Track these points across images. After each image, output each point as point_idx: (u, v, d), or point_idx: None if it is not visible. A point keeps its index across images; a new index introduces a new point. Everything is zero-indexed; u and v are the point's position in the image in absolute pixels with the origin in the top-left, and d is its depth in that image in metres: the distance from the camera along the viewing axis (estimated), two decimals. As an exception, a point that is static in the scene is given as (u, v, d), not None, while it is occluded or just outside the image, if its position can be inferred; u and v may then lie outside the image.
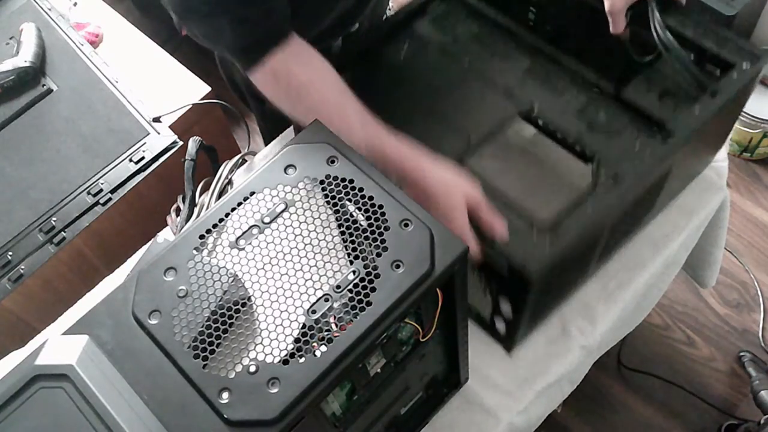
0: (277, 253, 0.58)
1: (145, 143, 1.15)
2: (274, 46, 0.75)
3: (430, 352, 0.72)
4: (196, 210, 0.96)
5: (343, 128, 0.69)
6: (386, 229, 0.57)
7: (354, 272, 0.56)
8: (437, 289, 0.60)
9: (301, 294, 0.56)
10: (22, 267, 1.08)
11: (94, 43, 1.32)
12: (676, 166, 0.83)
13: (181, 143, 1.15)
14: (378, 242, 0.57)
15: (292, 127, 1.11)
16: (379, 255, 0.56)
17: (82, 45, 1.27)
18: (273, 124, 1.18)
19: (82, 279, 1.13)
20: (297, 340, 0.54)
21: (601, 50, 0.85)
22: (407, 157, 0.72)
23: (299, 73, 0.75)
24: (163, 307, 0.56)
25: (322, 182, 0.61)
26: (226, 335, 0.55)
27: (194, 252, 0.59)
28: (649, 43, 0.81)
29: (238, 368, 0.53)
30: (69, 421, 0.53)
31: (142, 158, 1.14)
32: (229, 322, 0.55)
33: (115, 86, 1.21)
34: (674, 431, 1.46)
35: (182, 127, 1.19)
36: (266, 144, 1.23)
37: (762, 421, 1.34)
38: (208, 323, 0.55)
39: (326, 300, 0.55)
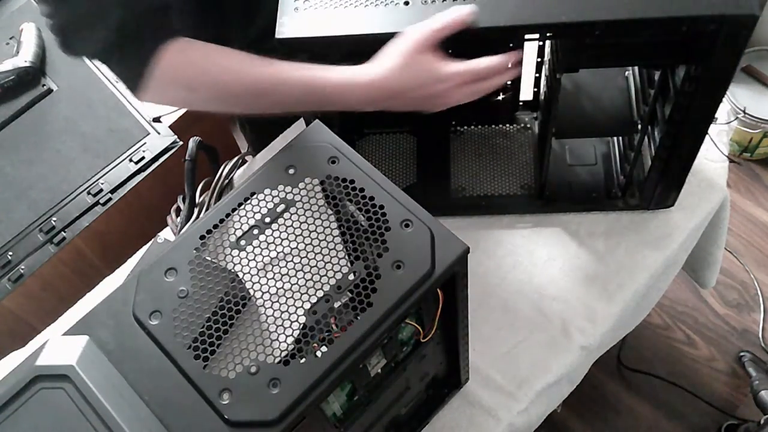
0: (277, 253, 0.58)
1: (145, 143, 1.15)
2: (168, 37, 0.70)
3: (431, 353, 0.72)
4: (196, 210, 0.96)
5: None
6: (387, 229, 0.57)
7: (354, 273, 0.56)
8: (438, 290, 0.59)
9: (302, 294, 0.56)
10: (22, 267, 1.08)
11: (94, 43, 1.32)
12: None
13: (181, 143, 1.15)
14: (378, 243, 0.57)
15: (291, 127, 1.12)
16: (379, 255, 0.56)
17: (82, 45, 1.27)
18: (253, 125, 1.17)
19: (82, 279, 1.13)
20: (297, 341, 0.54)
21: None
22: (351, 82, 0.69)
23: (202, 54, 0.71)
24: (163, 308, 0.56)
25: (322, 182, 0.61)
26: (226, 336, 0.55)
27: (195, 252, 0.59)
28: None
29: (239, 369, 0.53)
30: (69, 422, 0.53)
31: (142, 158, 1.14)
32: (230, 322, 0.55)
33: (115, 86, 1.21)
34: (674, 431, 1.46)
35: (182, 127, 1.19)
36: (251, 144, 1.22)
37: (762, 421, 1.34)
38: (208, 324, 0.55)
39: (327, 300, 0.55)
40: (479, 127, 1.04)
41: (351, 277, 0.56)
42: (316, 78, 0.70)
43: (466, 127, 1.04)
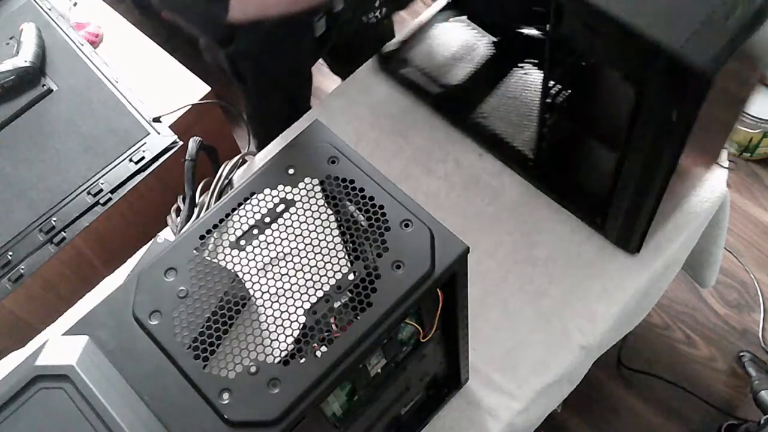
0: (277, 253, 0.58)
1: (145, 143, 1.15)
2: None
3: (431, 353, 0.72)
4: (196, 210, 0.96)
5: None
6: (387, 229, 0.57)
7: (354, 273, 0.56)
8: (438, 290, 0.60)
9: (302, 294, 0.56)
10: (22, 267, 1.08)
11: (94, 43, 1.32)
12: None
13: (181, 143, 1.15)
14: (378, 242, 0.57)
15: (291, 127, 1.12)
16: (379, 255, 0.56)
17: (82, 45, 1.27)
18: (259, 106, 1.19)
19: (82, 279, 1.13)
20: (297, 341, 0.54)
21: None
22: None
23: None
24: (163, 308, 0.56)
25: (322, 182, 0.61)
26: (226, 336, 0.55)
27: (195, 252, 0.59)
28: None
29: (239, 369, 0.53)
30: (69, 422, 0.53)
31: (142, 158, 1.13)
32: (230, 322, 0.55)
33: (115, 86, 1.21)
34: (674, 431, 1.46)
35: (182, 127, 1.19)
36: (255, 137, 1.24)
37: (762, 421, 1.34)
38: (208, 324, 0.55)
39: (327, 300, 0.55)
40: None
41: (351, 277, 0.56)
42: None
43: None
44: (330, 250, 0.57)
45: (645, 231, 0.83)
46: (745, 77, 0.74)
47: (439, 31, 1.09)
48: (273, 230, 0.59)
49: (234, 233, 0.59)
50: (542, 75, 0.78)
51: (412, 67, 1.06)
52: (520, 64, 1.02)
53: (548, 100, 0.79)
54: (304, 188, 0.61)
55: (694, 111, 0.60)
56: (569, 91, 0.80)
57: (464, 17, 1.08)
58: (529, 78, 1.01)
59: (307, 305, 0.55)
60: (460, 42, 1.07)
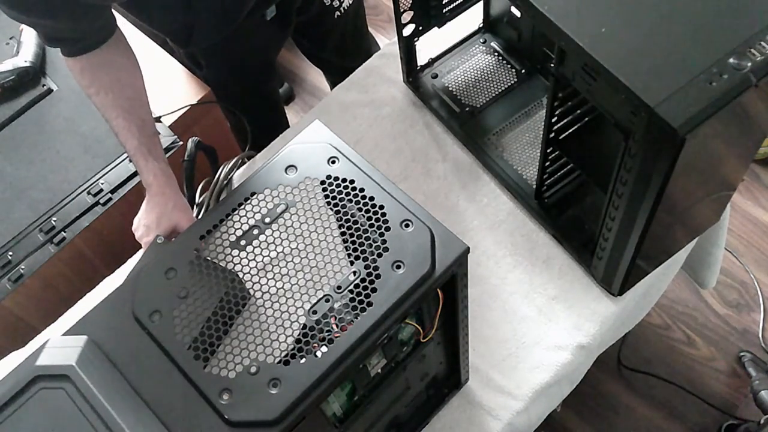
0: (277, 253, 0.58)
1: (145, 143, 1.15)
2: (93, 48, 0.85)
3: (431, 353, 0.72)
4: (195, 210, 0.96)
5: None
6: (387, 229, 0.57)
7: (355, 273, 0.56)
8: (438, 290, 0.60)
9: (302, 294, 0.56)
10: (22, 267, 1.08)
11: (94, 43, 1.32)
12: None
13: (180, 143, 1.15)
14: (379, 243, 0.57)
15: (291, 127, 1.12)
16: (379, 255, 0.56)
17: (82, 45, 1.27)
18: (217, 92, 1.22)
19: (82, 279, 1.13)
20: (298, 341, 0.54)
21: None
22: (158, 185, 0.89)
23: (103, 75, 0.86)
24: (163, 308, 0.56)
25: (322, 182, 0.61)
26: (226, 336, 0.55)
27: (195, 252, 0.59)
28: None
29: (239, 369, 0.53)
30: (70, 422, 0.53)
31: (142, 158, 1.13)
32: (230, 322, 0.55)
33: (115, 86, 1.21)
34: (674, 431, 1.46)
35: (182, 127, 1.19)
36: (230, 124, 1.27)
37: (762, 421, 1.34)
38: (208, 324, 0.55)
39: (327, 300, 0.55)
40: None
41: (351, 277, 0.56)
42: (138, 164, 0.89)
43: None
44: (330, 250, 0.57)
45: (626, 275, 0.83)
46: (747, 137, 0.75)
47: (469, 55, 1.11)
48: (273, 230, 0.59)
49: (234, 233, 0.59)
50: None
51: (438, 85, 1.08)
52: (540, 99, 1.04)
53: (551, 135, 0.81)
54: (304, 188, 0.61)
55: (669, 167, 0.61)
56: (571, 129, 0.82)
57: (494, 44, 1.10)
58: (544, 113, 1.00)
59: (307, 305, 0.55)
60: (487, 68, 1.09)
